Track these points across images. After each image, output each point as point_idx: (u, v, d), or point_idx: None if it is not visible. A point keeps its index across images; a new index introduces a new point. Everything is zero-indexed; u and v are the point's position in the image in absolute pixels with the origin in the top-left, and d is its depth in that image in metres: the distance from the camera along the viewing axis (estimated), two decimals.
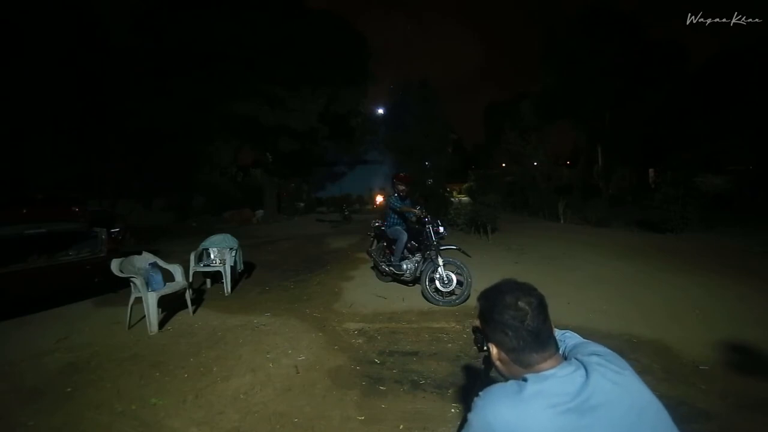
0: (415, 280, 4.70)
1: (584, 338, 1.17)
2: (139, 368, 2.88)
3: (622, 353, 0.98)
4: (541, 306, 0.93)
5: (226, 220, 15.29)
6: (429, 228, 4.53)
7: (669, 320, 3.58)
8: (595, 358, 0.90)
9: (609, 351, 0.96)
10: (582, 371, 0.86)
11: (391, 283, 5.12)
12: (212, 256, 5.04)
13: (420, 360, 2.94)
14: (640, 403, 0.84)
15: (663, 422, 0.85)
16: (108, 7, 13.03)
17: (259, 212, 16.33)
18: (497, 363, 0.98)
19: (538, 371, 0.88)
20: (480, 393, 0.89)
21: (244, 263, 5.70)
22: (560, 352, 1.02)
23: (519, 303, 0.92)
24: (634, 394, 0.85)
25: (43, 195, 4.55)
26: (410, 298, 4.53)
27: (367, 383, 2.61)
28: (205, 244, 5.14)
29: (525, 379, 0.86)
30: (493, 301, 0.96)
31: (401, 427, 2.13)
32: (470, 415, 0.87)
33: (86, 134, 12.36)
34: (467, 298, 4.19)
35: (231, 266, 4.96)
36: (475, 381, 2.05)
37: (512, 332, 0.91)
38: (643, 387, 0.87)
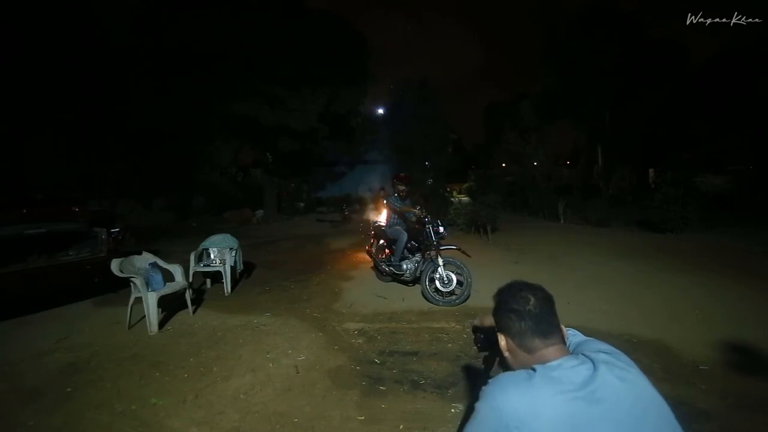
0: (415, 280, 4.70)
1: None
2: (139, 368, 2.88)
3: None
4: (546, 299, 1.00)
5: (226, 220, 15.26)
6: (429, 228, 4.53)
7: (669, 320, 3.58)
8: (602, 355, 0.91)
9: (615, 349, 0.97)
10: (589, 364, 0.87)
11: (391, 283, 5.12)
12: (212, 256, 5.05)
13: (420, 360, 2.95)
14: (645, 401, 0.85)
15: (666, 420, 0.86)
16: (108, 7, 13.06)
17: (259, 212, 16.30)
18: (506, 354, 1.01)
19: (545, 361, 0.90)
20: (489, 381, 0.91)
21: (244, 263, 5.70)
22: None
23: (525, 292, 1.00)
24: (639, 392, 0.86)
25: (43, 195, 4.54)
26: (410, 298, 4.53)
27: (367, 383, 2.61)
28: (205, 244, 5.14)
29: (534, 369, 0.88)
30: (505, 294, 1.04)
31: (401, 427, 2.14)
32: (478, 404, 0.88)
33: (86, 134, 12.37)
34: (467, 298, 4.19)
35: (231, 266, 4.96)
36: (475, 381, 2.05)
37: (515, 315, 0.97)
38: (648, 385, 0.88)
